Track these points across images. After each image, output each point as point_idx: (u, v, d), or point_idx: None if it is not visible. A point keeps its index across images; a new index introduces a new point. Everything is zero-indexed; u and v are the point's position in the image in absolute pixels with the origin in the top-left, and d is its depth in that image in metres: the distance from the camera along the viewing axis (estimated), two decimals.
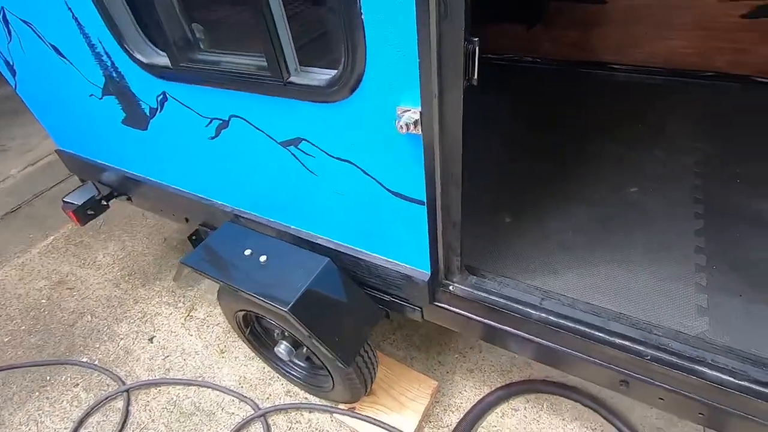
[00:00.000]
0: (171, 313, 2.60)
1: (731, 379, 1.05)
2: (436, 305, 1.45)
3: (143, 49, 1.40)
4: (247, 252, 1.60)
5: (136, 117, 1.69)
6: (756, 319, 1.21)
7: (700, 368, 1.08)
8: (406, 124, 0.98)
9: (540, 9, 2.43)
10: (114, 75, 1.57)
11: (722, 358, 1.08)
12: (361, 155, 1.19)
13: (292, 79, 1.12)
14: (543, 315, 1.25)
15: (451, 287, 1.36)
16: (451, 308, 1.42)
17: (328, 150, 1.24)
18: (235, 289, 1.51)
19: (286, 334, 1.77)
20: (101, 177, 2.25)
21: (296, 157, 1.34)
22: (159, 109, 1.57)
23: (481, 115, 2.20)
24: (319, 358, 1.67)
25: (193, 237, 2.07)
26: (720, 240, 1.46)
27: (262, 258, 1.57)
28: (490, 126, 2.14)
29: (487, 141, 2.06)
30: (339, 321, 1.50)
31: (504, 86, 2.48)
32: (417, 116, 0.98)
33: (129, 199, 2.30)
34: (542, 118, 2.20)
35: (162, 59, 1.36)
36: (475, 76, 0.93)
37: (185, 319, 2.55)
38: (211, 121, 1.46)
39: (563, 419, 1.82)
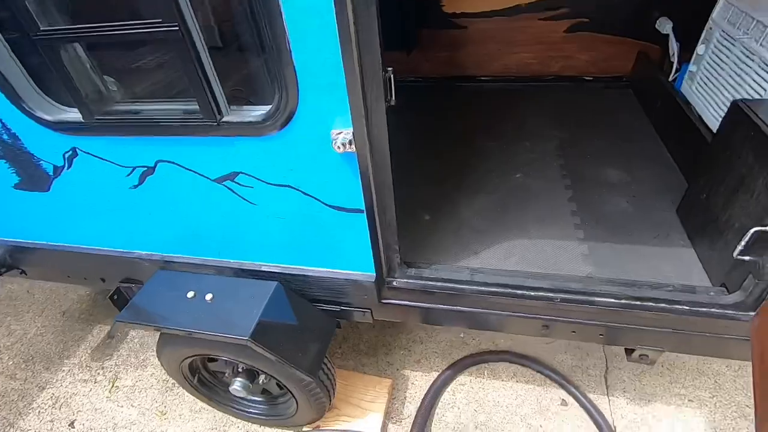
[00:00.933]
0: (91, 390, 2.34)
1: (615, 300, 1.39)
2: (384, 303, 1.61)
3: (45, 107, 1.35)
4: (190, 294, 1.59)
5: (35, 179, 1.57)
6: (621, 255, 1.60)
7: (595, 298, 1.41)
8: (343, 144, 1.14)
9: (414, 37, 2.80)
10: (5, 137, 1.46)
11: (607, 287, 1.42)
12: (300, 178, 1.31)
13: (226, 118, 1.21)
14: (475, 287, 1.49)
15: (394, 282, 1.54)
16: (398, 302, 1.59)
17: (266, 179, 1.34)
18: (186, 332, 1.49)
19: (240, 369, 1.76)
20: None
21: (233, 191, 1.40)
22: (66, 167, 1.50)
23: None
24: (280, 383, 1.70)
25: (115, 297, 1.94)
26: (585, 202, 1.88)
27: (208, 296, 1.57)
28: (393, 139, 2.39)
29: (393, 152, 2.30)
30: (299, 339, 1.57)
31: (397, 105, 2.77)
32: (350, 136, 1.15)
33: (22, 272, 2.05)
34: (431, 126, 2.53)
35: (71, 115, 1.33)
36: (393, 98, 1.13)
37: (110, 392, 2.32)
38: (133, 170, 1.45)
39: (503, 380, 2.10)
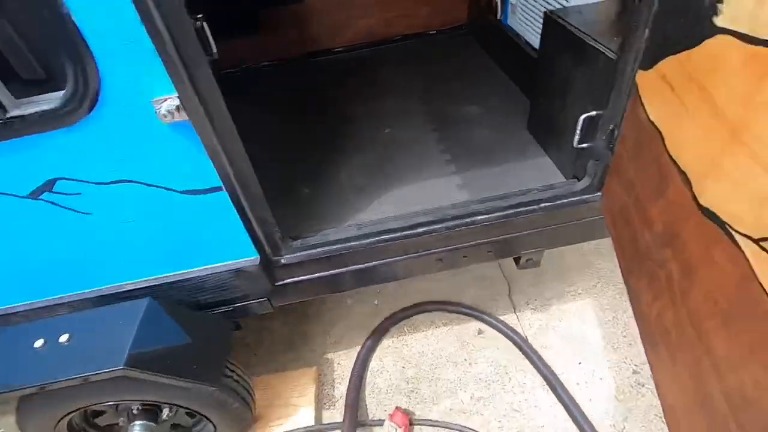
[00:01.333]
0: None
1: (491, 215, 1.46)
2: (279, 285, 1.50)
3: None
4: (39, 343, 1.31)
5: None
6: (490, 176, 1.70)
7: (475, 218, 1.46)
8: (168, 112, 1.00)
9: (256, 19, 2.65)
10: None
11: (482, 206, 1.49)
12: (135, 168, 1.13)
13: (13, 113, 0.99)
14: (365, 241, 1.45)
15: (282, 260, 1.44)
16: (294, 279, 1.50)
17: (94, 178, 1.14)
18: (38, 387, 1.22)
19: (135, 412, 1.53)
20: None
21: (56, 204, 1.17)
22: None
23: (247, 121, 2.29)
24: (189, 410, 1.51)
25: None
26: (452, 140, 1.96)
27: (63, 338, 1.31)
28: (261, 125, 2.26)
29: (263, 137, 2.17)
30: (188, 351, 1.39)
31: (257, 92, 2.63)
32: (176, 101, 1.01)
33: None
34: (296, 104, 2.44)
35: None
36: (215, 50, 1.02)
37: None
38: None
39: (423, 331, 2.13)
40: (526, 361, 1.93)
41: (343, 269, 1.49)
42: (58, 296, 1.40)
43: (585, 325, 2.04)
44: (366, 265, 1.50)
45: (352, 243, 1.45)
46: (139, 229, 1.26)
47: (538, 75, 1.72)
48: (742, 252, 0.87)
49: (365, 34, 2.86)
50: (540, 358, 1.90)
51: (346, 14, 2.75)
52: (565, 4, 1.74)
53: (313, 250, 1.45)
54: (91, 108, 1.00)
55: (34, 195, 1.14)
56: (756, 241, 0.84)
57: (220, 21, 2.72)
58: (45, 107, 0.99)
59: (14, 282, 1.34)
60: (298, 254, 1.44)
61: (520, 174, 1.70)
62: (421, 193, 1.69)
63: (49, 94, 1.01)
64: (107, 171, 1.13)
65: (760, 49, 0.86)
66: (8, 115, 0.99)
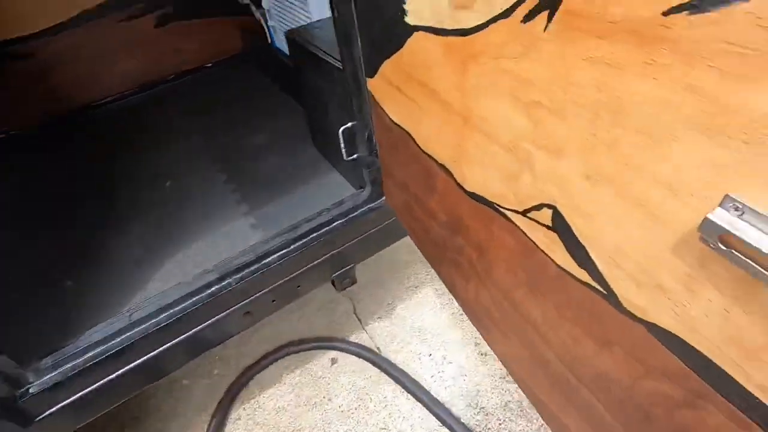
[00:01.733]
0: None
1: (284, 251, 1.36)
2: (37, 422, 1.15)
3: None
4: None
5: None
6: (284, 207, 1.61)
7: (267, 259, 1.34)
8: None
9: None
10: None
11: (274, 242, 1.37)
12: None
13: None
14: (142, 327, 1.21)
15: (32, 389, 1.11)
16: (59, 406, 1.17)
17: None
18: None
19: None
20: None
21: None
22: None
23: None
24: None
25: None
26: (241, 176, 1.82)
27: None
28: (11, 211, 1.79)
29: (13, 223, 1.72)
30: None
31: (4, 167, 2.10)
32: None
33: None
34: (61, 176, 2.01)
35: None
36: None
37: None
38: None
39: (275, 384, 1.94)
40: (384, 374, 1.89)
41: (126, 368, 1.22)
42: None
43: (427, 315, 2.10)
44: (156, 351, 1.25)
45: (128, 333, 1.20)
46: None
47: (300, 91, 1.69)
48: (517, 225, 0.90)
49: (131, 79, 2.53)
50: (392, 365, 1.88)
51: (101, 60, 2.39)
52: (309, 19, 1.74)
53: (77, 360, 1.16)
54: None
55: None
56: (523, 214, 0.88)
57: None
58: None
59: None
60: (54, 374, 1.13)
61: (315, 196, 1.64)
62: (213, 248, 1.50)
63: None
64: None
65: (451, 39, 0.91)
66: None
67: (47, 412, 1.15)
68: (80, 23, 2.28)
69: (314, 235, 1.39)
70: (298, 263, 1.40)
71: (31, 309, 1.38)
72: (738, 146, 0.47)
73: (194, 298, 1.27)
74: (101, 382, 1.20)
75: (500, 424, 1.71)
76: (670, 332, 0.65)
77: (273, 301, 1.41)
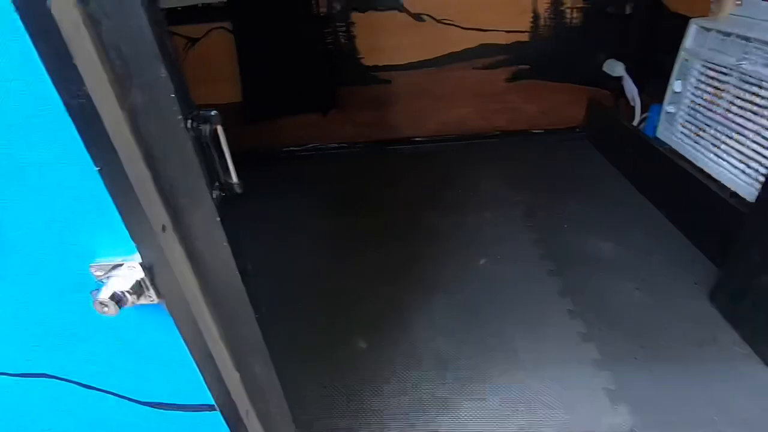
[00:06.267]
0: None
1: None
2: None
3: None
4: None
5: None
6: (663, 383, 1.02)
7: None
8: (119, 296, 0.48)
9: (330, 95, 2.30)
10: None
11: None
12: (59, 358, 0.61)
13: None
14: None
15: None
16: None
17: None
18: None
19: None
20: None
21: None
22: None
23: (292, 219, 1.82)
24: None
25: None
26: (583, 295, 1.32)
27: None
28: (305, 230, 1.77)
29: (305, 251, 1.67)
30: None
31: (314, 178, 2.20)
32: (138, 272, 0.49)
33: None
34: (362, 203, 1.94)
35: None
36: (234, 178, 0.50)
37: None
38: None
39: None
40: None
41: None
42: None
43: None
44: None
45: None
46: None
47: (751, 235, 1.08)
48: None
49: (455, 124, 2.41)
50: None
51: (438, 101, 2.33)
52: None
53: None
54: None
55: None
56: None
57: (291, 92, 2.46)
58: None
59: None
60: None
61: (717, 388, 1.01)
62: (543, 389, 1.04)
63: None
64: (15, 353, 0.61)
65: None
66: None
67: None
68: (440, 63, 2.25)
69: None
70: None
71: (318, 368, 1.17)
72: None
73: None
74: None
75: None
76: None
77: None
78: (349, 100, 2.33)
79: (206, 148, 0.47)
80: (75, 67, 0.37)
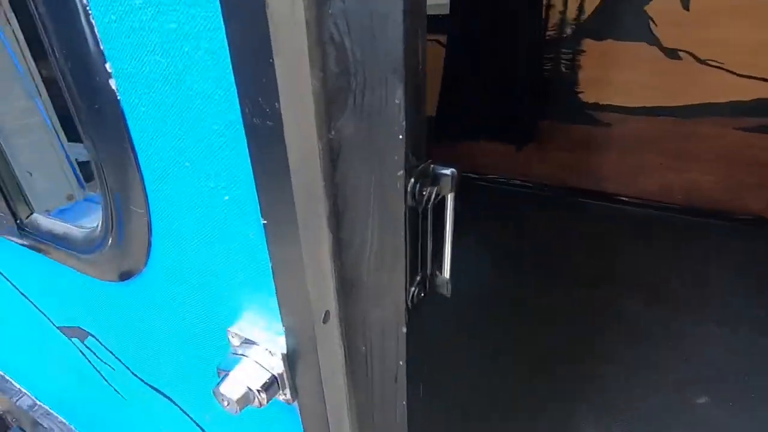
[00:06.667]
0: None
1: None
2: None
3: None
4: None
5: None
6: None
7: None
8: (244, 395, 0.33)
9: (530, 127, 2.02)
10: None
11: None
12: (186, 397, 0.52)
13: (37, 219, 0.50)
14: None
15: None
16: None
17: (131, 365, 0.57)
18: None
19: None
20: None
21: (88, 360, 0.66)
22: None
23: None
24: None
25: None
26: None
27: None
28: (462, 278, 1.54)
29: (463, 318, 1.44)
30: None
31: (487, 215, 1.96)
32: (277, 363, 0.34)
33: None
34: (537, 264, 1.62)
35: None
36: (446, 273, 0.31)
37: None
38: None
39: None
40: None
41: None
42: None
43: None
44: None
45: None
46: None
47: None
48: None
49: (683, 192, 1.87)
50: None
51: (668, 161, 1.84)
52: None
53: None
54: (123, 278, 0.42)
55: (66, 332, 0.65)
56: None
57: (489, 117, 2.26)
58: (70, 235, 0.46)
59: (52, 389, 0.92)
60: None
61: None
62: None
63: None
64: (147, 368, 0.55)
65: None
66: (27, 219, 0.50)
67: None
68: (688, 113, 1.76)
69: None
70: None
71: None
72: None
73: None
74: None
75: None
76: None
77: None
78: (551, 136, 2.01)
79: (422, 222, 0.29)
80: (272, 66, 0.22)
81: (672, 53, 1.70)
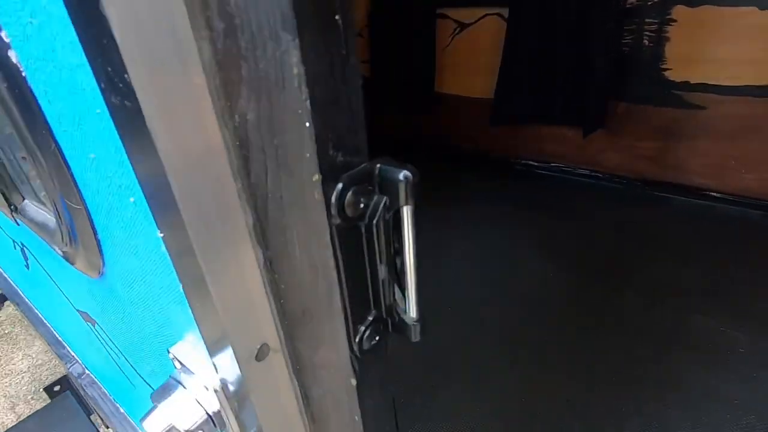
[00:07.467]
0: None
1: None
2: None
3: None
4: None
5: None
6: None
7: None
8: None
9: (598, 111, 1.79)
10: None
11: None
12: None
13: (27, 206, 0.48)
14: None
15: None
16: None
17: (128, 356, 0.56)
18: None
19: None
20: None
21: (103, 345, 0.66)
22: None
23: (504, 258, 1.48)
24: None
25: (56, 387, 1.39)
26: None
27: None
28: (516, 281, 1.41)
29: (509, 312, 1.31)
30: None
31: (546, 206, 1.78)
32: (212, 401, 0.28)
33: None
34: (599, 267, 1.44)
35: None
36: (413, 312, 0.23)
37: None
38: (14, 244, 0.84)
39: None
40: None
41: None
42: (122, 409, 0.95)
43: None
44: None
45: None
46: None
47: None
48: None
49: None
50: None
51: (766, 149, 1.54)
52: None
53: None
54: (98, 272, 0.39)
55: (82, 315, 0.66)
56: None
57: (553, 99, 2.03)
58: (42, 222, 0.44)
59: (92, 358, 0.97)
60: None
61: None
62: None
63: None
64: (146, 366, 0.52)
65: None
66: (21, 206, 0.48)
67: None
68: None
69: None
70: None
71: None
72: None
73: None
74: None
75: None
76: None
77: None
78: (627, 121, 1.77)
79: (368, 242, 0.21)
80: (104, 19, 0.15)
81: None
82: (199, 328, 0.24)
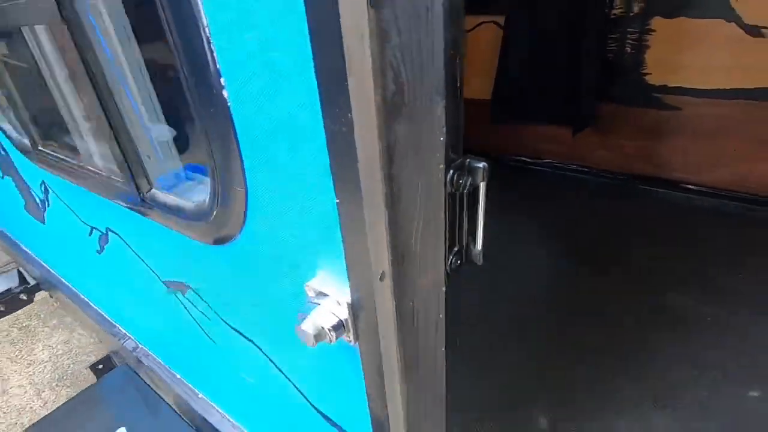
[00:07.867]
0: None
1: None
2: None
3: (12, 123, 0.98)
4: None
5: (33, 206, 1.25)
6: None
7: None
8: (319, 331, 0.43)
9: (588, 111, 1.96)
10: (2, 151, 1.16)
11: None
12: (265, 339, 0.64)
13: (155, 193, 0.63)
14: None
15: None
16: None
17: (223, 314, 0.70)
18: None
19: None
20: (24, 263, 1.81)
21: (186, 310, 0.81)
22: (47, 202, 1.13)
23: (503, 245, 1.65)
24: None
25: (100, 366, 1.52)
26: None
27: None
28: (514, 264, 1.57)
29: (507, 293, 1.48)
30: None
31: (539, 200, 1.95)
32: (344, 311, 0.43)
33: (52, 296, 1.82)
34: (591, 255, 1.61)
35: (25, 138, 0.93)
36: (478, 246, 0.38)
37: None
38: (92, 231, 0.98)
39: None
40: None
41: None
42: (180, 376, 1.10)
43: None
44: None
45: None
46: (258, 394, 0.78)
47: None
48: None
49: (758, 183, 1.75)
50: None
51: (744, 147, 1.72)
52: None
53: None
54: (221, 242, 0.54)
55: (169, 285, 0.81)
56: None
57: (545, 100, 2.21)
58: (179, 205, 0.59)
59: (155, 335, 1.11)
60: None
61: None
62: None
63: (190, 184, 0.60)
64: (236, 317, 0.67)
65: None
66: (148, 193, 0.63)
67: None
68: None
69: None
70: None
71: None
72: None
73: None
74: None
75: None
76: None
77: None
78: (612, 121, 1.95)
79: (458, 205, 0.36)
80: (347, 88, 0.30)
81: (754, 31, 1.57)
82: (345, 261, 0.39)
